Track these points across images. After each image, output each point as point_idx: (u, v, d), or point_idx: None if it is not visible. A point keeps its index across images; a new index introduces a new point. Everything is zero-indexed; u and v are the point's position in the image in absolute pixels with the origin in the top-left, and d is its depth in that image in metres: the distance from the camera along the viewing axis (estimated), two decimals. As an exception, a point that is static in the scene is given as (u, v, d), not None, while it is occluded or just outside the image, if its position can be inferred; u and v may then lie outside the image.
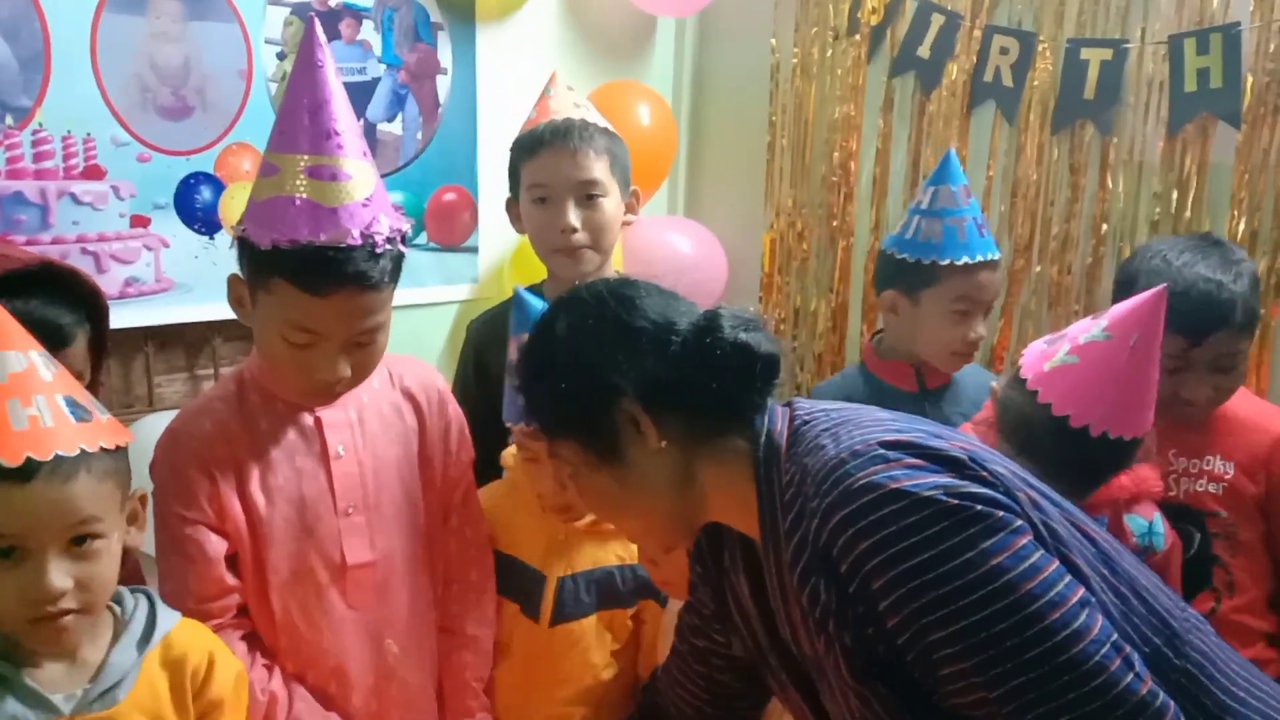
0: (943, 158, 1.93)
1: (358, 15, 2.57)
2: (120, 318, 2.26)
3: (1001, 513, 0.95)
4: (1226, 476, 1.76)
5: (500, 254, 2.94)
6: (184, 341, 2.44)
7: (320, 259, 1.24)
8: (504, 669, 1.59)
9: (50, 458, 1.03)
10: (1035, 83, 2.55)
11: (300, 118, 1.26)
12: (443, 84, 2.77)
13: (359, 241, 1.25)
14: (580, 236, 1.80)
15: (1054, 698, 0.90)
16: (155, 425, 2.12)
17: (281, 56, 2.46)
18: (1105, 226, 2.50)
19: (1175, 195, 2.39)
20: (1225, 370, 1.72)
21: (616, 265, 2.79)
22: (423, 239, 2.78)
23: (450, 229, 2.84)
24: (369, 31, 2.60)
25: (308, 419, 1.42)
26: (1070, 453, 1.35)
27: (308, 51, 1.27)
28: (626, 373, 1.09)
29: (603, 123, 1.90)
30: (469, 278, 2.91)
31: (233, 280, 1.35)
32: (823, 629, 1.01)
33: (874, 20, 2.80)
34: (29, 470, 1.02)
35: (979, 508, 0.94)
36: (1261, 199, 2.28)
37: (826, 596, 0.99)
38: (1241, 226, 2.31)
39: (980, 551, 0.92)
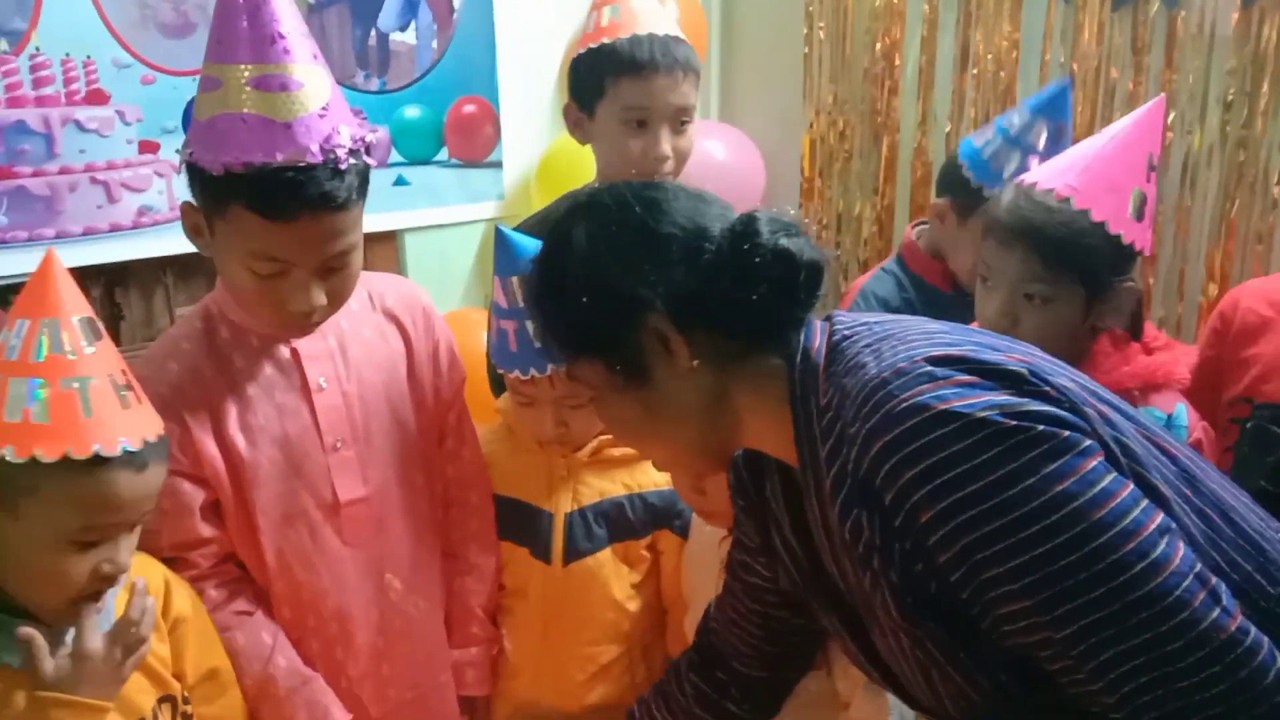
0: (1059, 87, 1.82)
1: (364, -83, 2.43)
2: (137, 248, 2.20)
3: (1067, 432, 0.84)
4: None
5: (526, 169, 2.82)
6: (204, 269, 2.35)
7: (279, 181, 1.13)
8: (522, 615, 1.53)
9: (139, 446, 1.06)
10: (1092, -45, 2.36)
11: (238, 21, 1.12)
12: (457, -12, 2.62)
13: (320, 158, 1.14)
14: (669, 164, 1.72)
15: (1128, 637, 0.81)
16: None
17: (285, -35, 2.32)
18: (1173, 111, 2.32)
19: (1250, 72, 2.20)
20: None
21: (648, 175, 2.68)
22: (443, 155, 2.66)
23: (472, 144, 2.72)
24: (377, -65, 2.46)
25: (284, 351, 1.33)
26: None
27: None
28: (654, 285, 0.98)
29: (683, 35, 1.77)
30: (494, 195, 2.79)
31: (185, 208, 1.23)
32: (868, 565, 0.93)
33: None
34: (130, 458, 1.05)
35: (1040, 428, 0.84)
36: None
37: (869, 531, 0.90)
38: None
39: (1042, 477, 0.82)
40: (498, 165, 2.77)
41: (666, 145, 1.70)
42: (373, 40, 2.49)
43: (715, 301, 0.98)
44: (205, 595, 1.29)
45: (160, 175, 2.22)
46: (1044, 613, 0.83)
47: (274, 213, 1.14)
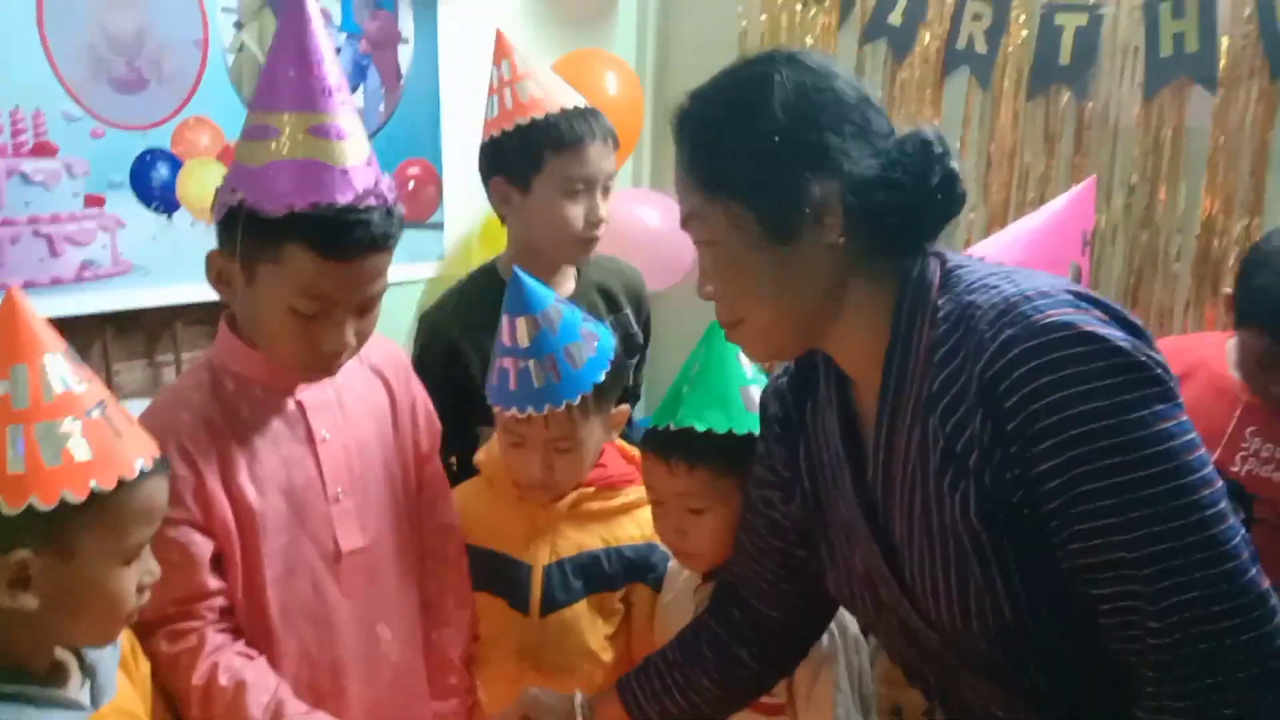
0: None
1: (316, -18, 2.47)
2: (76, 303, 2.17)
3: (1173, 383, 0.93)
4: None
5: (467, 230, 2.86)
6: (143, 327, 2.33)
7: (341, 222, 1.18)
8: (498, 665, 1.54)
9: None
10: (1009, 49, 2.54)
11: (291, 72, 1.19)
12: (404, 54, 2.67)
13: (379, 201, 1.20)
14: (604, 227, 1.80)
15: (1189, 571, 0.88)
16: (117, 414, 2.04)
17: (238, 26, 2.35)
18: (1081, 192, 2.50)
19: (1151, 160, 2.39)
20: None
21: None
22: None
23: (415, 204, 2.75)
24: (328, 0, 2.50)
25: (289, 404, 1.34)
26: None
27: (296, 4, 1.20)
28: (841, 153, 1.00)
29: None
30: (434, 255, 2.83)
31: (213, 257, 1.26)
32: (960, 464, 0.97)
33: (842, -13, 2.77)
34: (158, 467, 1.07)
35: (1159, 372, 0.92)
36: (1238, 162, 2.29)
37: (980, 429, 0.95)
38: (1217, 190, 2.31)
39: (1155, 413, 0.90)
40: (439, 226, 2.81)
41: (604, 209, 1.78)
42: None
43: (884, 194, 1.01)
44: (206, 639, 1.26)
45: (104, 230, 2.20)
46: (1125, 532, 0.90)
47: (335, 252, 1.18)
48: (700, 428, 1.36)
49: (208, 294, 2.25)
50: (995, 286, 0.99)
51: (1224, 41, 2.27)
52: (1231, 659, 0.89)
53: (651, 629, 1.57)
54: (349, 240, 1.19)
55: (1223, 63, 2.27)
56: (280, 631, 1.33)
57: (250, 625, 1.32)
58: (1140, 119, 2.40)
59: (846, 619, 1.43)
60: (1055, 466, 0.92)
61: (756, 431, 1.34)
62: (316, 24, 1.21)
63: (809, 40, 2.83)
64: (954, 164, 1.03)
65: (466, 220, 2.85)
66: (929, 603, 1.04)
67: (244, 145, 1.23)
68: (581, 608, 1.52)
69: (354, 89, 2.57)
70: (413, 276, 2.78)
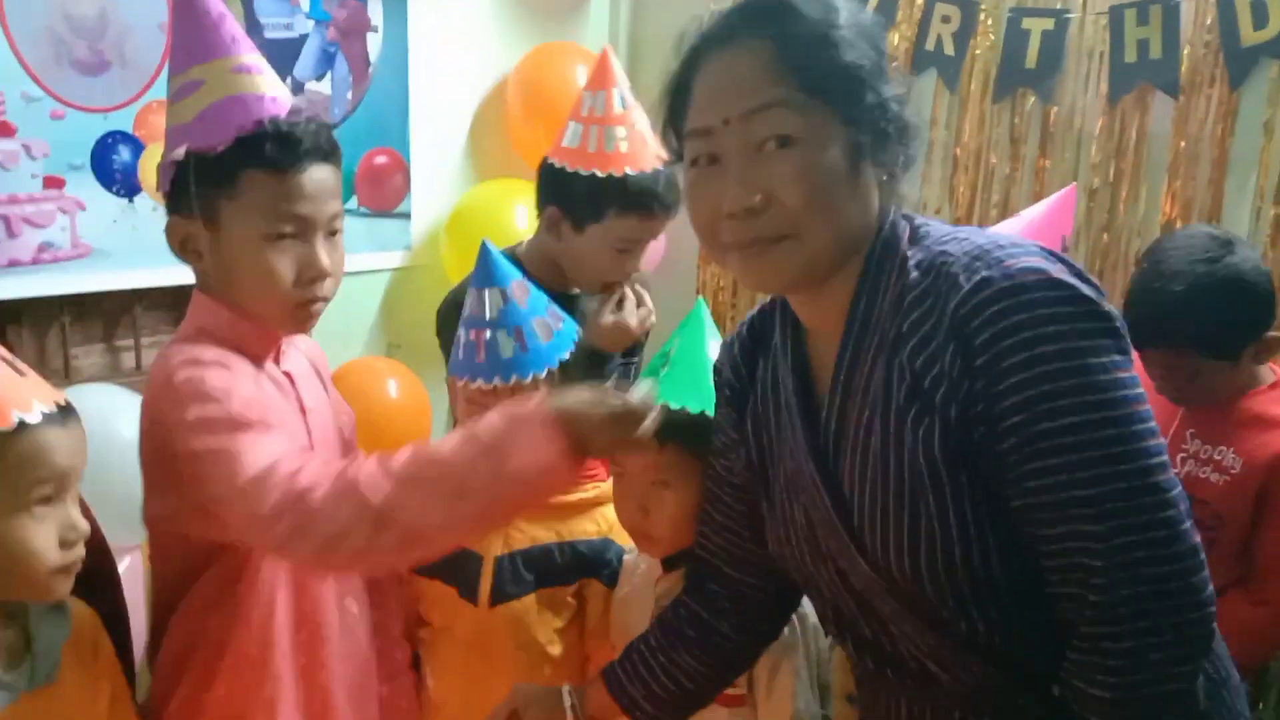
0: None
1: (284, -32, 2.46)
2: (34, 285, 2.15)
3: (1128, 340, 0.97)
4: (1233, 471, 1.74)
5: (435, 220, 2.85)
6: (102, 311, 2.32)
7: (286, 134, 1.20)
8: (446, 652, 1.53)
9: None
10: (977, 51, 2.56)
11: (204, 28, 1.24)
12: (373, 42, 2.66)
13: (312, 112, 1.24)
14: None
15: (1136, 514, 0.92)
16: (73, 401, 2.01)
17: (204, 9, 2.33)
18: (1045, 194, 2.52)
19: (1114, 164, 2.42)
20: (1178, 382, 1.74)
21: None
22: (352, 204, 2.68)
23: (381, 194, 2.74)
24: (296, -15, 2.49)
25: (278, 373, 1.34)
26: None
27: None
28: (902, 93, 1.05)
29: None
30: (401, 245, 2.82)
31: (173, 224, 1.26)
32: (927, 399, 0.99)
33: (815, -15, 2.77)
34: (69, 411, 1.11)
35: (1118, 325, 0.96)
36: (1197, 168, 2.32)
37: (949, 365, 0.97)
38: (1177, 195, 2.35)
39: (1114, 361, 0.94)
40: (406, 216, 2.80)
41: (642, 262, 1.79)
42: (288, 88, 2.50)
43: (904, 138, 1.05)
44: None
45: (64, 212, 2.18)
46: (1079, 470, 0.93)
47: (287, 163, 1.20)
48: (675, 405, 1.36)
49: (169, 278, 2.25)
50: (966, 238, 1.02)
51: (1185, 50, 2.30)
52: (1165, 603, 0.92)
53: (606, 625, 1.56)
54: (297, 150, 1.21)
55: (1184, 70, 2.30)
56: (274, 595, 1.31)
57: (248, 590, 1.29)
58: (1104, 123, 2.42)
59: (807, 608, 1.44)
60: (1018, 403, 0.94)
61: None
62: None
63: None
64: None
65: (434, 210, 2.85)
66: (876, 546, 1.05)
67: (173, 110, 1.25)
68: (531, 600, 1.51)
69: (320, 76, 2.56)
70: (379, 265, 2.77)
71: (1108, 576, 0.93)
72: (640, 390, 1.14)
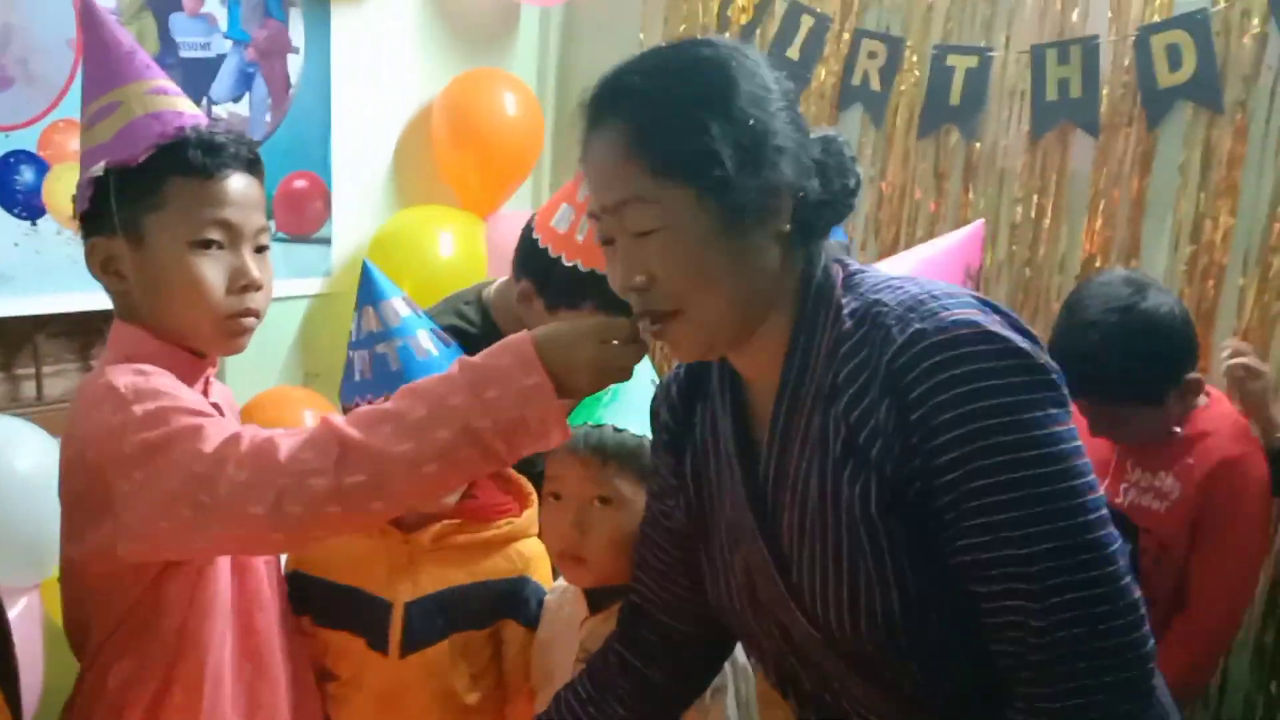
0: None
1: (202, -14, 2.38)
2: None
3: (1064, 390, 0.97)
4: (1172, 496, 1.76)
5: (356, 246, 2.79)
6: (1, 337, 2.21)
7: (208, 141, 1.21)
8: (357, 705, 1.46)
9: None
10: (902, 87, 2.58)
11: (121, 58, 1.26)
12: (294, 63, 2.60)
13: (229, 123, 1.23)
14: None
15: (1074, 571, 0.91)
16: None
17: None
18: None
19: (1036, 200, 2.45)
20: (1108, 427, 1.75)
21: (480, 260, 2.70)
22: (270, 229, 2.60)
23: (299, 218, 2.67)
24: (214, 4, 2.42)
25: (207, 405, 1.27)
26: None
27: (93, 11, 1.28)
28: (794, 143, 1.01)
29: None
30: (321, 270, 2.75)
31: (94, 246, 1.24)
32: (862, 455, 0.98)
33: (743, 19, 2.79)
34: None
35: (1054, 377, 0.96)
36: (1117, 207, 2.36)
37: (884, 419, 0.96)
38: (1097, 233, 2.38)
39: (1050, 415, 0.93)
40: (326, 241, 2.74)
41: None
42: (204, 109, 2.42)
43: (819, 184, 1.02)
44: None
45: (-38, 232, 2.08)
46: (1015, 529, 0.92)
47: (211, 169, 1.20)
48: (620, 426, 1.36)
49: (72, 304, 2.16)
50: (901, 287, 1.01)
51: (1105, 90, 2.34)
52: (1103, 661, 0.92)
53: (525, 666, 1.51)
54: (220, 155, 1.21)
55: (1103, 109, 2.34)
56: (221, 633, 1.27)
57: (194, 627, 1.25)
58: (1026, 160, 2.46)
59: (736, 649, 1.41)
60: (953, 460, 0.94)
61: None
62: (110, 17, 1.30)
63: (708, 70, 2.84)
64: (859, 170, 1.08)
65: (355, 236, 2.79)
66: (815, 600, 1.04)
67: (89, 132, 1.25)
68: (444, 647, 1.44)
69: (238, 98, 2.49)
70: (298, 292, 2.70)
71: (1044, 636, 0.92)
72: (629, 324, 1.09)
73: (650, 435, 1.32)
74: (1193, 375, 1.74)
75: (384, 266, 2.68)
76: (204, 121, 1.24)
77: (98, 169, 1.20)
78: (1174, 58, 2.26)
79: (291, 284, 2.65)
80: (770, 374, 1.07)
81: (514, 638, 1.50)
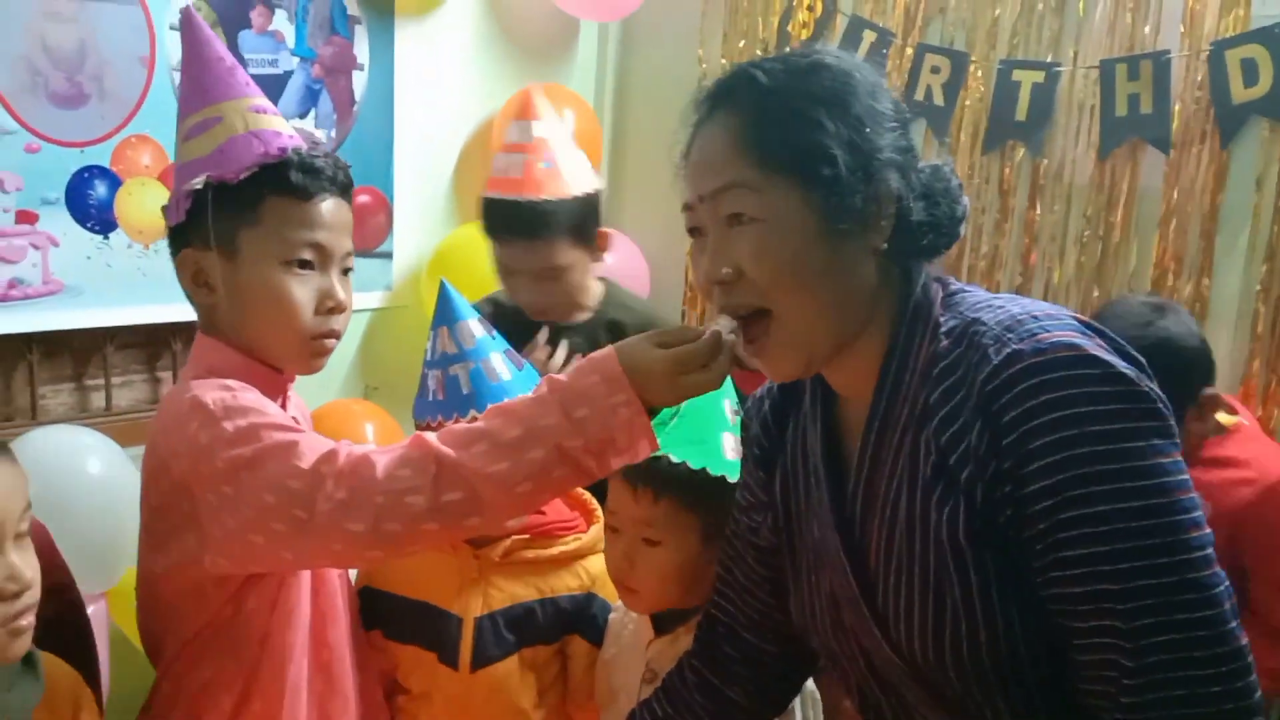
0: None
1: (270, 4, 2.42)
2: (2, 322, 2.08)
3: (1171, 420, 0.92)
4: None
5: (417, 260, 2.81)
6: (71, 349, 2.25)
7: (308, 164, 1.23)
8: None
9: None
10: (967, 102, 2.55)
11: (224, 73, 1.27)
12: (359, 80, 2.63)
13: (329, 145, 1.23)
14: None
15: (1171, 612, 0.86)
16: (39, 441, 1.94)
17: (187, 44, 2.29)
18: (1034, 247, 2.51)
19: (1104, 218, 2.41)
20: None
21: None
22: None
23: (363, 233, 2.69)
24: (281, 22, 2.45)
25: (294, 423, 1.29)
26: None
27: (196, 25, 1.29)
28: (904, 159, 1.01)
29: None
30: (382, 285, 2.77)
31: (186, 257, 1.25)
32: (952, 479, 0.95)
33: (804, 34, 2.78)
34: None
35: (1159, 406, 0.91)
36: (1189, 224, 2.31)
37: (976, 442, 0.93)
38: (1168, 249, 2.34)
39: (1153, 446, 0.88)
40: (388, 256, 2.76)
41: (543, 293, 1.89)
42: (270, 124, 2.46)
43: (925, 206, 1.02)
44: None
45: (36, 247, 2.12)
46: (1110, 563, 0.87)
47: (310, 192, 1.23)
48: (676, 458, 1.33)
49: (141, 317, 2.19)
50: (1001, 306, 0.98)
51: (1176, 106, 2.30)
52: (1201, 710, 0.86)
53: (590, 683, 1.51)
54: (319, 178, 1.24)
55: (1175, 126, 2.30)
56: (293, 646, 1.29)
57: (274, 639, 1.27)
58: (1094, 177, 2.42)
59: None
60: (1047, 487, 0.90)
61: (730, 476, 1.31)
62: (213, 33, 1.31)
63: (768, 85, 2.83)
64: (966, 201, 1.07)
65: (416, 250, 2.81)
66: (899, 628, 1.01)
67: (188, 145, 1.26)
68: (513, 663, 1.45)
69: (304, 114, 2.52)
70: (359, 306, 2.68)
71: (1139, 678, 0.87)
72: (711, 328, 1.08)
73: (709, 463, 1.32)
74: (1209, 391, 1.72)
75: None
76: (303, 143, 1.25)
77: (197, 182, 1.22)
78: (1249, 72, 2.21)
79: (354, 298, 2.67)
80: (864, 392, 1.05)
81: (580, 654, 1.51)
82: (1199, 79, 2.27)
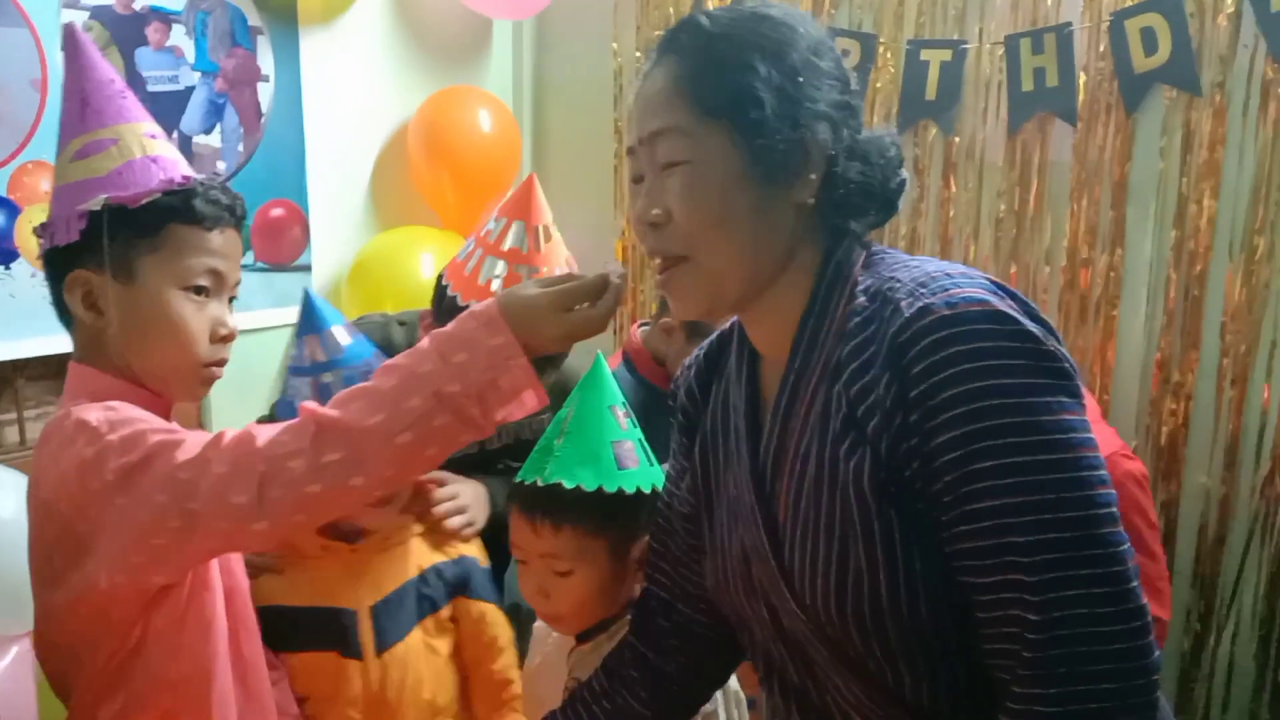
0: None
1: (166, 19, 2.36)
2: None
3: (1076, 380, 0.92)
4: None
5: (337, 271, 2.77)
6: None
7: (209, 195, 1.24)
8: (336, 718, 1.50)
9: None
10: (878, 84, 2.56)
11: (116, 96, 1.27)
12: (264, 91, 2.58)
13: (223, 177, 1.23)
14: None
15: (1077, 566, 0.87)
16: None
17: (80, 64, 2.23)
18: (951, 226, 2.52)
19: (1017, 193, 2.43)
20: None
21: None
22: (249, 259, 2.58)
23: (278, 247, 2.65)
24: (180, 37, 2.39)
25: (181, 428, 1.28)
26: None
27: (83, 43, 1.27)
28: (839, 115, 1.01)
29: None
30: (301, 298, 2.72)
31: (76, 277, 1.22)
32: (860, 430, 0.95)
33: (715, 22, 2.76)
34: None
35: (1066, 365, 0.91)
36: (1099, 195, 2.33)
37: (884, 394, 0.93)
38: (1080, 222, 2.36)
39: (1059, 403, 0.89)
40: (306, 269, 2.71)
41: None
42: (174, 142, 2.40)
43: (860, 168, 1.02)
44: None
45: (-67, 279, 2.06)
46: (1016, 515, 0.87)
47: (211, 221, 1.24)
48: (569, 484, 1.30)
49: (51, 347, 2.14)
50: (917, 265, 0.99)
51: (1081, 77, 2.32)
52: (1103, 666, 0.86)
53: (480, 636, 1.59)
54: (219, 208, 1.25)
55: (1081, 98, 2.32)
56: (214, 664, 1.26)
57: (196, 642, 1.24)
58: (1006, 153, 2.43)
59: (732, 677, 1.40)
60: (954, 439, 0.90)
61: (628, 489, 1.30)
62: (100, 54, 1.29)
63: (683, 76, 2.82)
64: (904, 174, 1.07)
65: (336, 261, 2.77)
66: (804, 582, 1.01)
67: (79, 165, 1.24)
68: (416, 636, 1.52)
69: (209, 129, 2.47)
70: (279, 321, 2.67)
71: (1043, 633, 0.87)
72: (596, 282, 1.11)
73: (605, 479, 1.31)
74: None
75: (365, 290, 2.68)
76: (202, 175, 1.27)
77: (95, 203, 1.20)
78: (1149, 41, 2.23)
79: (272, 314, 2.63)
80: (781, 349, 1.05)
81: (465, 614, 1.59)
82: (1101, 50, 2.30)
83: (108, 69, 1.27)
